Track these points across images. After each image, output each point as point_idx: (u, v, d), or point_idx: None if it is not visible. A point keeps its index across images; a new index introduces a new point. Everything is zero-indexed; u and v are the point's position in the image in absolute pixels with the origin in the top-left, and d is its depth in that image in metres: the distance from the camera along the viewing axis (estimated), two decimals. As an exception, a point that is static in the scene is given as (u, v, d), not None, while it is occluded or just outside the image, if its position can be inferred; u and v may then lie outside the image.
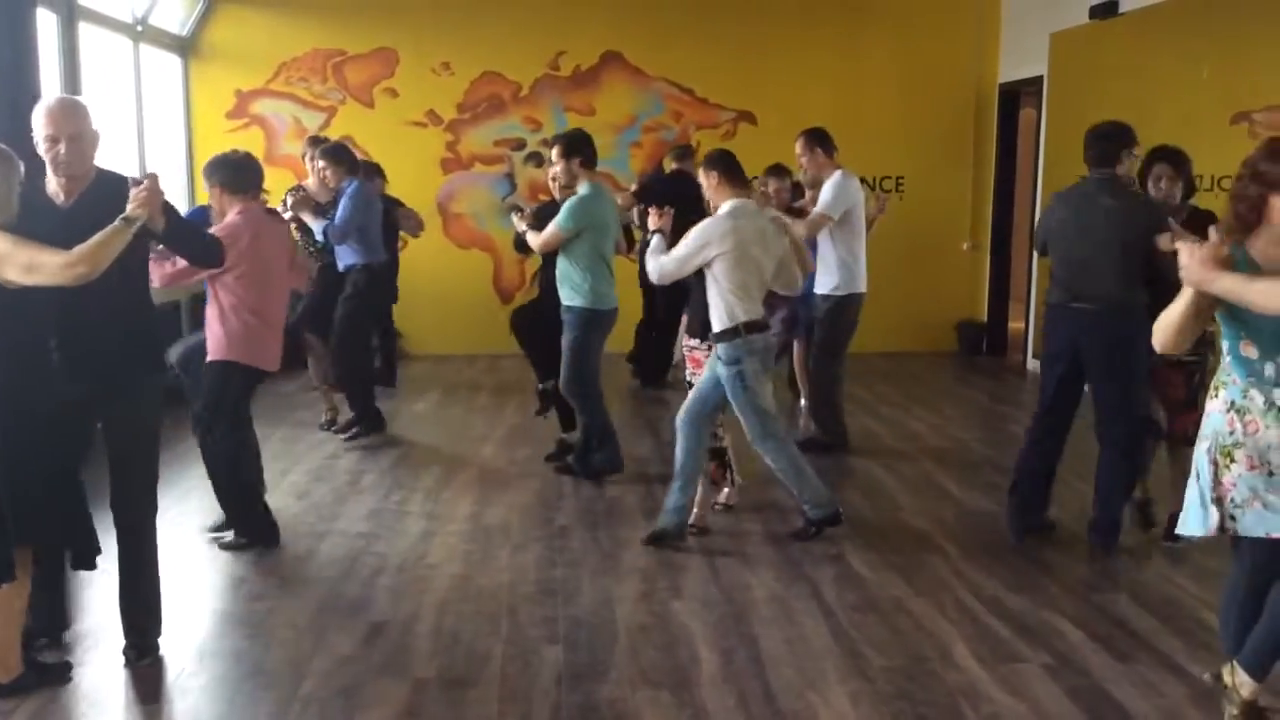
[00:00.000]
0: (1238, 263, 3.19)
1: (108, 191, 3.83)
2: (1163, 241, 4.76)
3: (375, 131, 10.23)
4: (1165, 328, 3.33)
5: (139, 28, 9.05)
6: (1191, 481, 3.44)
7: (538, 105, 10.58)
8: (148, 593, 4.08)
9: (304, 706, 3.71)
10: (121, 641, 4.04)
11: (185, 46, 10.13)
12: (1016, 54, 10.44)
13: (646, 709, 3.71)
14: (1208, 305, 3.24)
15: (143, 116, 9.18)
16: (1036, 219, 5.82)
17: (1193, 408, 4.85)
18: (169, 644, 4.14)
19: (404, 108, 10.37)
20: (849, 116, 10.47)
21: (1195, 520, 3.40)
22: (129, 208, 3.67)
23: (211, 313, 5.13)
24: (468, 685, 3.87)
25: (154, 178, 3.82)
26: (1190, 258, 3.15)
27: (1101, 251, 5.00)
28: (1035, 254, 6.16)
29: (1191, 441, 5.07)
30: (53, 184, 3.82)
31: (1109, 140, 5.16)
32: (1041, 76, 9.90)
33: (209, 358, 5.16)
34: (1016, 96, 10.59)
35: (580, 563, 5.11)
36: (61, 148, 3.72)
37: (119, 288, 3.80)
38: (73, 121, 3.76)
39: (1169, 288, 4.94)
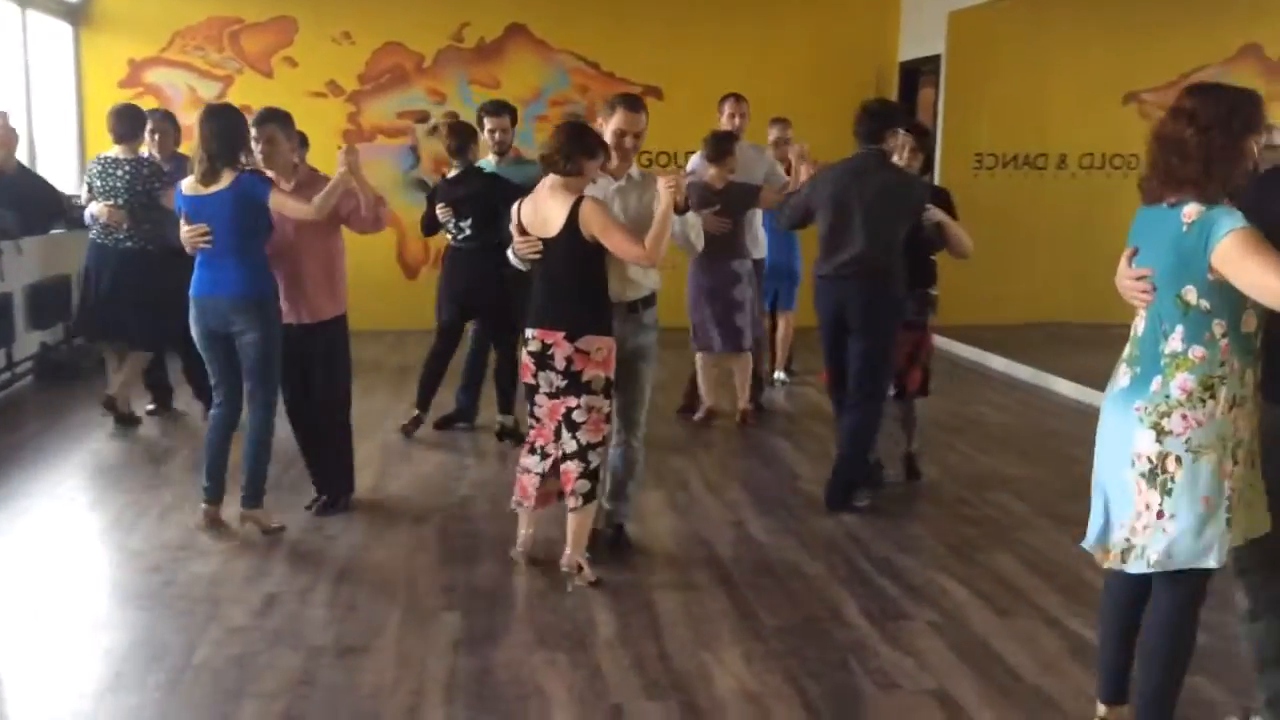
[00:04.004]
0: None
1: None
2: (934, 214, 5.24)
3: (274, 102, 9.63)
4: None
5: (26, -8, 8.77)
6: (1187, 507, 2.90)
7: (441, 77, 10.48)
8: None
9: (196, 675, 3.68)
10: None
11: (76, 14, 9.83)
12: (916, 32, 10.63)
13: (542, 670, 3.75)
14: None
15: (30, 86, 8.90)
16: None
17: (916, 363, 5.56)
18: (59, 614, 4.08)
19: (304, 78, 10.19)
20: (757, 93, 10.47)
21: (1205, 550, 2.91)
22: None
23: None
24: (363, 652, 3.87)
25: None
26: None
27: (865, 222, 5.22)
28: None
29: (920, 393, 5.59)
30: None
31: (876, 118, 5.35)
32: (940, 55, 10.09)
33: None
34: (916, 75, 10.78)
35: (481, 533, 5.12)
36: None
37: None
38: None
39: (926, 256, 5.39)
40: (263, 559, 4.77)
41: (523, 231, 4.47)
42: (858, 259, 5.22)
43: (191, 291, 4.94)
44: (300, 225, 5.00)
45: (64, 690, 3.61)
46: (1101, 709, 3.23)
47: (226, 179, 4.79)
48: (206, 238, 4.81)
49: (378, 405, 7.57)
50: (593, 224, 4.29)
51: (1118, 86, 10.46)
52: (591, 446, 4.45)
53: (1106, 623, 3.24)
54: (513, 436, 6.59)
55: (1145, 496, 2.96)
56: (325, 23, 10.22)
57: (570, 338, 4.36)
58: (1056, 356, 8.76)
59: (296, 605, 4.27)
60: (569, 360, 4.38)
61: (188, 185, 4.90)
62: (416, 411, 6.78)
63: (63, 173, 9.75)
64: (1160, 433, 2.92)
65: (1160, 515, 2.94)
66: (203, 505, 5.04)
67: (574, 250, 4.35)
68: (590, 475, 4.48)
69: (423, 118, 10.49)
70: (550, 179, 4.41)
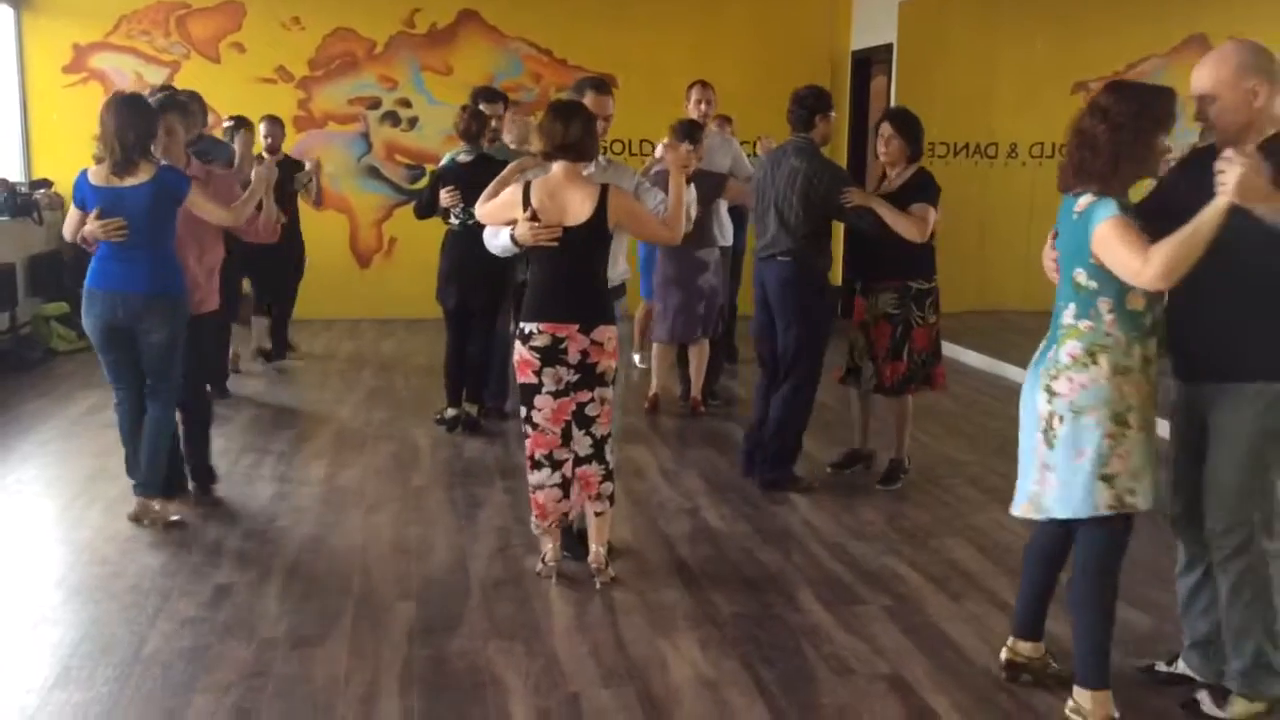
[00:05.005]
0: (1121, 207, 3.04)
1: None
2: (854, 196, 5.25)
3: (223, 88, 9.87)
4: (1185, 256, 2.86)
5: (-36, -26, 8.58)
6: (1064, 460, 3.19)
7: (393, 63, 10.39)
8: None
9: (146, 668, 3.63)
10: None
11: (17, -4, 9.64)
12: (867, 21, 10.67)
13: (498, 659, 3.74)
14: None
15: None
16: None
17: (898, 358, 5.46)
18: (4, 608, 4.01)
19: (252, 63, 10.07)
20: (710, 81, 10.55)
21: (1077, 502, 3.18)
22: None
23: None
24: (316, 643, 3.84)
25: None
26: (1247, 171, 2.77)
27: (776, 209, 5.39)
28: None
29: (898, 390, 5.49)
30: None
31: (801, 105, 5.44)
32: (891, 45, 10.14)
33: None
34: (868, 64, 10.82)
35: (435, 522, 5.10)
36: None
37: None
38: None
39: (864, 238, 5.36)
40: (213, 550, 4.71)
41: (534, 217, 4.17)
42: (770, 243, 5.43)
43: (93, 284, 4.78)
44: (189, 223, 4.96)
45: (10, 686, 3.54)
46: (1010, 641, 3.59)
47: (146, 172, 4.69)
48: (122, 231, 4.69)
49: (330, 395, 7.52)
50: (621, 211, 4.19)
51: (1066, 76, 10.57)
52: (605, 440, 4.34)
53: (1028, 570, 3.55)
54: (470, 427, 6.56)
55: (1040, 453, 3.27)
56: (274, 8, 10.09)
57: (585, 330, 4.19)
58: (1006, 344, 8.85)
59: (248, 597, 4.23)
60: (584, 353, 4.20)
61: (97, 176, 4.73)
62: (453, 412, 6.65)
63: (6, 159, 9.58)
64: (1050, 394, 3.22)
65: (1045, 468, 3.25)
66: (137, 499, 4.99)
67: (597, 240, 4.21)
68: (610, 475, 4.38)
69: (374, 104, 10.40)
70: (559, 165, 4.20)
